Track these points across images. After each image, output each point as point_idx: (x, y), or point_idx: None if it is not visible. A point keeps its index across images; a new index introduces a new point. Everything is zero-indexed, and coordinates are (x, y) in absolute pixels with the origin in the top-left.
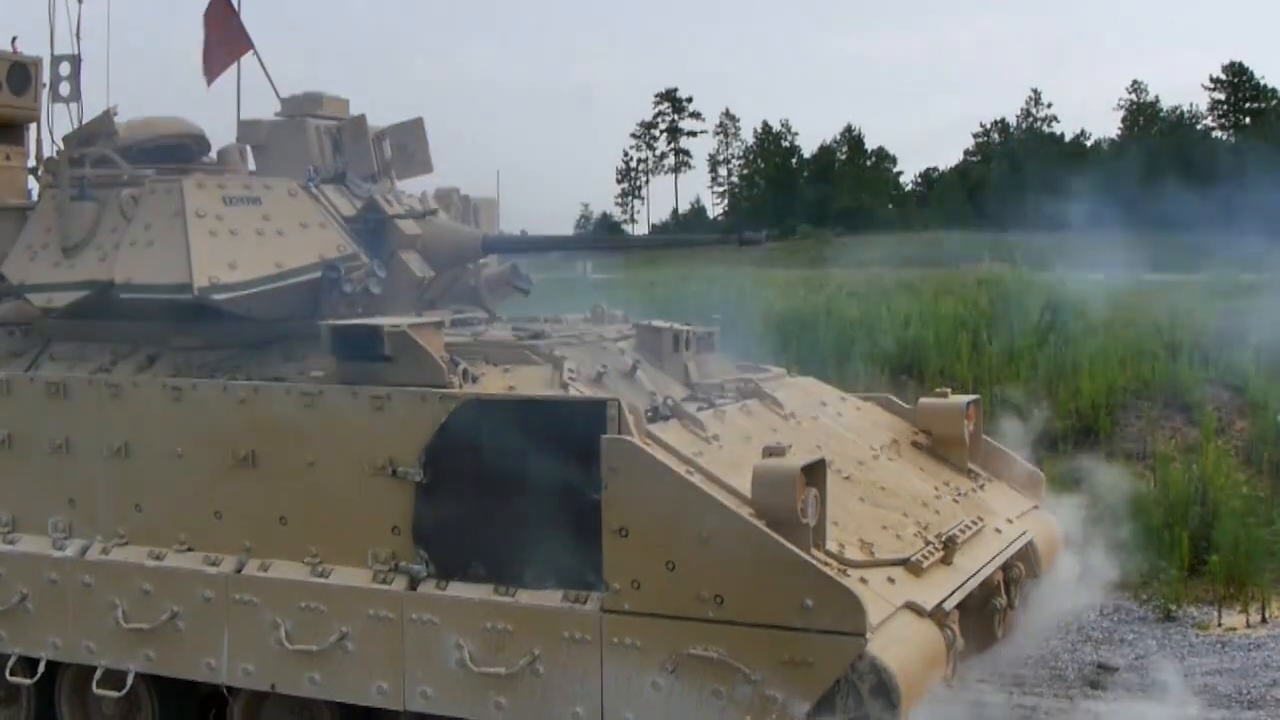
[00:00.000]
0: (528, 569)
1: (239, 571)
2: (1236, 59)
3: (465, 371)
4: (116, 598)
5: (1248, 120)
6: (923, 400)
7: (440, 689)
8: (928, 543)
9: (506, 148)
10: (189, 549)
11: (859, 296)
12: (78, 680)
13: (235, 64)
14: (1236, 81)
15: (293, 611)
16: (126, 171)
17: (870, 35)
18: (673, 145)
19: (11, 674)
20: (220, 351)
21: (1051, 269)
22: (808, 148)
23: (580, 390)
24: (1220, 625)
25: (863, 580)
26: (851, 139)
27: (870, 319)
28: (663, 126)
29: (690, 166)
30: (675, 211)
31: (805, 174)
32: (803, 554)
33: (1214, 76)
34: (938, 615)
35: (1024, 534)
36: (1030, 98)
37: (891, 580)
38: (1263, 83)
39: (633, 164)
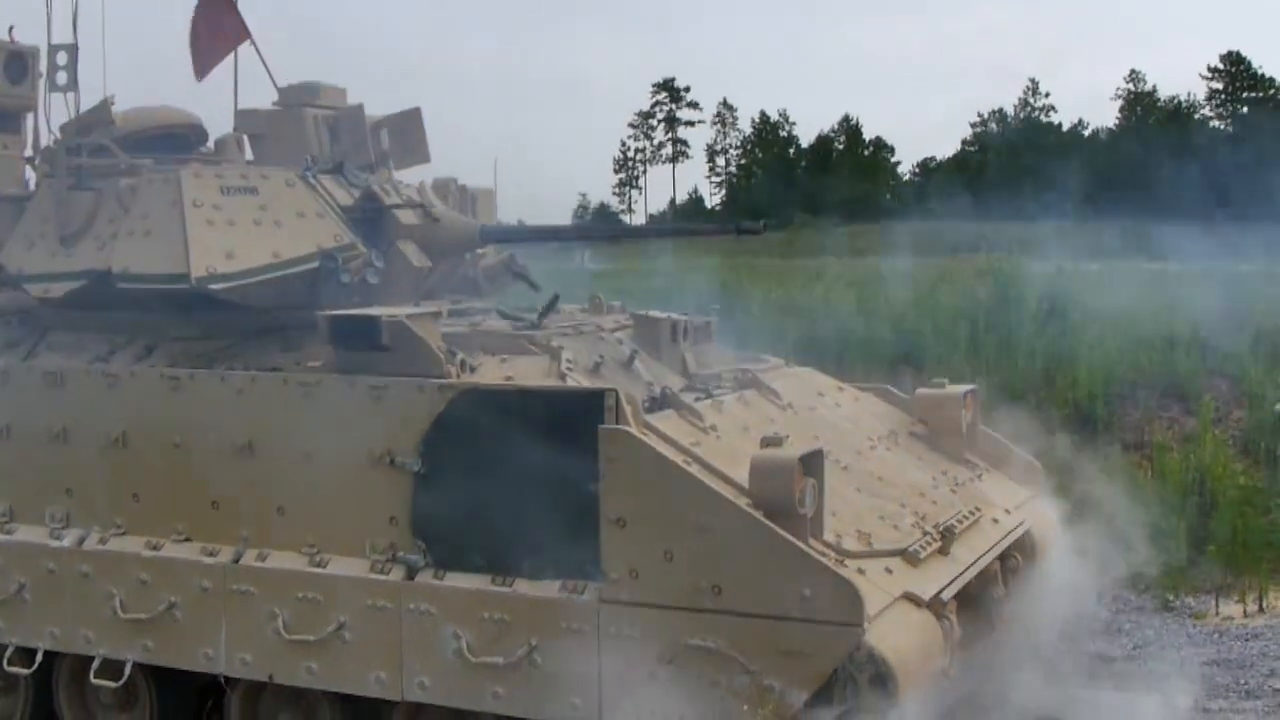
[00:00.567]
0: (525, 559)
1: (237, 561)
2: (1234, 48)
3: (463, 361)
4: (114, 588)
5: (1245, 109)
6: (920, 390)
7: (438, 679)
8: (925, 533)
9: (504, 138)
10: (187, 539)
11: (857, 286)
12: (75, 670)
13: (232, 54)
14: (1234, 71)
15: (290, 601)
16: (124, 161)
17: (868, 24)
18: (670, 135)
19: (9, 664)
20: (218, 341)
21: (1049, 258)
22: (805, 138)
23: (578, 380)
24: (1218, 615)
25: (860, 570)
26: (849, 129)
27: (868, 309)
28: (660, 116)
29: (688, 156)
30: (673, 201)
31: (803, 164)
32: (800, 544)
33: (1212, 66)
34: (935, 605)
35: (1022, 524)
36: (1028, 87)
37: (889, 570)
38: (1260, 72)
39: (630, 154)
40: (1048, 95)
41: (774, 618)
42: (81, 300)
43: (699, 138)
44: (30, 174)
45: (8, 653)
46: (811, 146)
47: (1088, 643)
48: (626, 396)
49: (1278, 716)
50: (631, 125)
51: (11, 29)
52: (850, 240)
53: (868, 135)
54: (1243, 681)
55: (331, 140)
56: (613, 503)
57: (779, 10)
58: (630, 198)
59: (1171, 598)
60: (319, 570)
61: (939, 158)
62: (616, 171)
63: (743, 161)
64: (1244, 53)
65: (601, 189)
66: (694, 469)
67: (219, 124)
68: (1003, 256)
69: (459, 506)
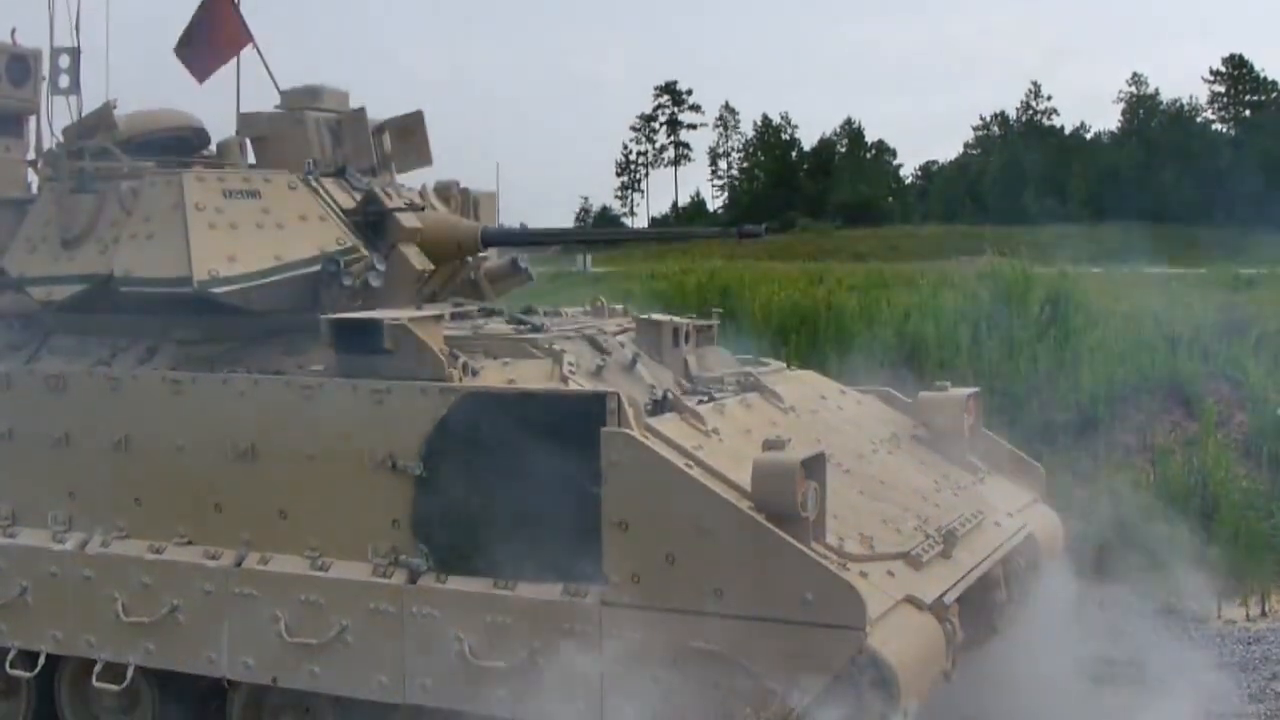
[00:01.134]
0: (527, 562)
1: (239, 565)
2: (1237, 51)
3: (465, 365)
4: (116, 591)
5: (1248, 113)
6: (922, 394)
7: (440, 682)
8: (927, 536)
9: (506, 141)
10: (189, 542)
11: (858, 290)
12: (78, 673)
13: (235, 58)
14: (1236, 74)
15: (293, 605)
16: (126, 164)
17: (870, 26)
18: (672, 138)
19: (11, 667)
20: (220, 345)
21: (1052, 262)
22: (807, 140)
23: (580, 384)
24: (1220, 618)
25: (862, 574)
26: (851, 132)
27: (870, 312)
28: (662, 119)
29: (690, 159)
30: (675, 205)
31: (805, 167)
32: (802, 547)
33: (1214, 69)
34: (937, 609)
35: (1024, 527)
36: (1030, 90)
37: (891, 574)
38: (1263, 75)
39: (632, 157)
40: (1049, 98)
41: (776, 621)
42: (83, 304)
43: (701, 141)
44: (32, 177)
45: (10, 656)
46: (813, 149)
47: (1089, 646)
48: (628, 399)
49: None
50: (633, 128)
51: (14, 31)
52: (852, 243)
53: (869, 138)
54: (1245, 685)
55: (334, 143)
56: (615, 506)
57: (781, 13)
58: (632, 201)
59: (1174, 601)
60: (321, 574)
61: (941, 161)
62: (619, 175)
63: (745, 164)
64: (1246, 55)
65: (604, 192)
66: (696, 472)
67: (221, 127)
68: (1004, 259)
69: (461, 510)
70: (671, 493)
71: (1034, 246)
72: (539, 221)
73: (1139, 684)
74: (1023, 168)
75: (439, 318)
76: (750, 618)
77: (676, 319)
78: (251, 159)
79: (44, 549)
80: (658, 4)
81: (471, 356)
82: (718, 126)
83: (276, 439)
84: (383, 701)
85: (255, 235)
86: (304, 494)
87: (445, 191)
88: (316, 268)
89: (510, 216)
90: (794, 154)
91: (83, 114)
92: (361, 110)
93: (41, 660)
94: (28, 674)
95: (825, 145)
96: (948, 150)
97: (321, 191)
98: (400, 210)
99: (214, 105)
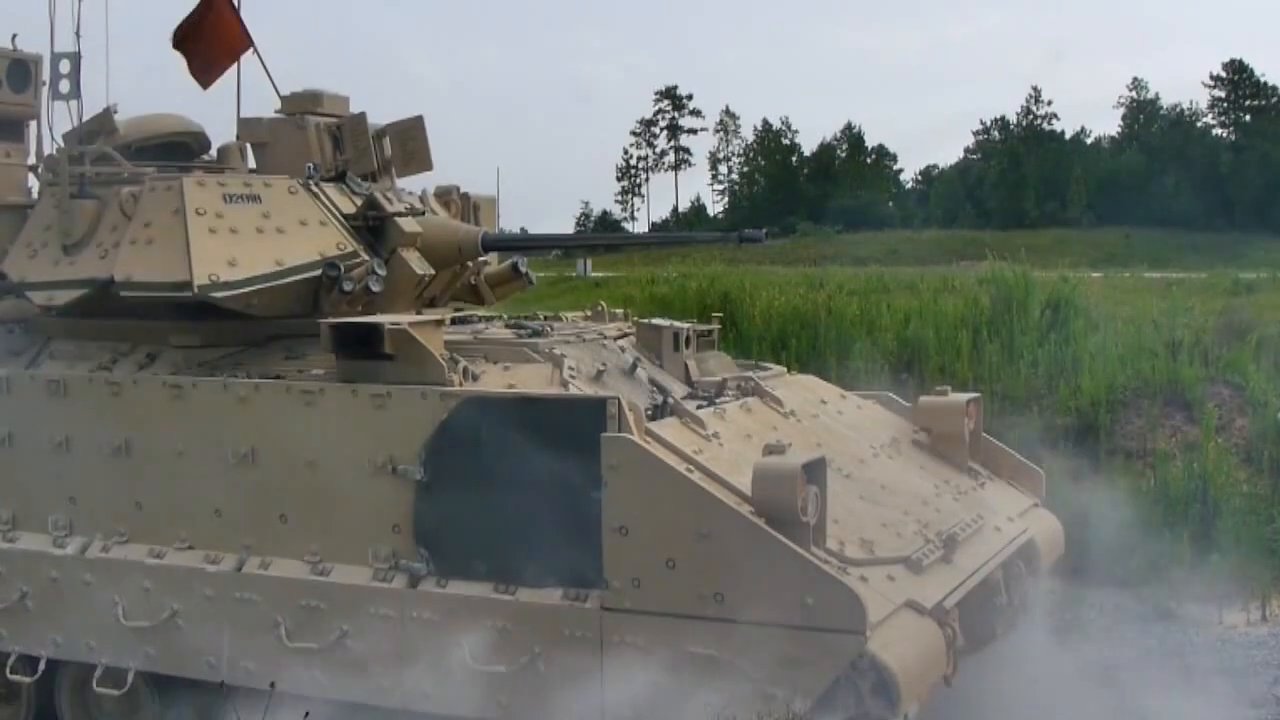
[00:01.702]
0: (528, 567)
1: (239, 569)
2: (1237, 56)
3: (465, 369)
4: (117, 595)
5: (1248, 118)
6: (923, 398)
7: (440, 687)
8: (928, 541)
9: (507, 146)
10: (189, 547)
11: (859, 294)
12: (78, 678)
13: (236, 63)
14: (1237, 79)
15: (293, 609)
16: (127, 169)
17: (871, 31)
18: (673, 143)
19: (12, 672)
20: (220, 349)
21: (1052, 266)
22: (808, 145)
23: (580, 388)
24: (1221, 623)
25: (863, 578)
26: (851, 136)
27: (870, 317)
28: (663, 124)
29: (690, 164)
30: (675, 209)
31: (805, 172)
32: (803, 552)
33: (1214, 74)
34: (938, 613)
35: (1024, 532)
36: (1031, 95)
37: (892, 578)
38: (1263, 80)
39: (633, 162)
40: (1050, 103)
41: (776, 625)
42: (84, 308)
43: (701, 145)
44: (33, 182)
45: (10, 661)
46: (814, 154)
47: (1090, 651)
48: (629, 404)
49: None
50: (634, 133)
51: (15, 37)
52: (852, 248)
53: (870, 143)
54: (1246, 690)
55: (334, 148)
56: (615, 510)
57: (781, 18)
58: (633, 206)
59: (1174, 605)
60: (322, 578)
61: (941, 165)
62: (619, 179)
63: (745, 169)
64: (1246, 60)
65: (604, 197)
66: (696, 476)
67: (221, 132)
68: (1005, 264)
69: (462, 514)
70: (672, 497)
71: (1034, 251)
72: (539, 226)
73: (1139, 689)
74: (1023, 172)
75: (439, 322)
76: (751, 622)
77: (677, 324)
78: (252, 164)
79: (44, 553)
80: (658, 9)
81: (472, 361)
82: (718, 131)
83: (277, 444)
84: (383, 705)
85: (256, 240)
86: (304, 499)
87: (446, 196)
88: (317, 272)
89: (511, 221)
90: (794, 159)
91: (83, 119)
92: (362, 115)
93: (42, 665)
94: (28, 679)
95: (826, 150)
96: (948, 155)
97: (322, 196)
98: (401, 215)
99: (214, 110)
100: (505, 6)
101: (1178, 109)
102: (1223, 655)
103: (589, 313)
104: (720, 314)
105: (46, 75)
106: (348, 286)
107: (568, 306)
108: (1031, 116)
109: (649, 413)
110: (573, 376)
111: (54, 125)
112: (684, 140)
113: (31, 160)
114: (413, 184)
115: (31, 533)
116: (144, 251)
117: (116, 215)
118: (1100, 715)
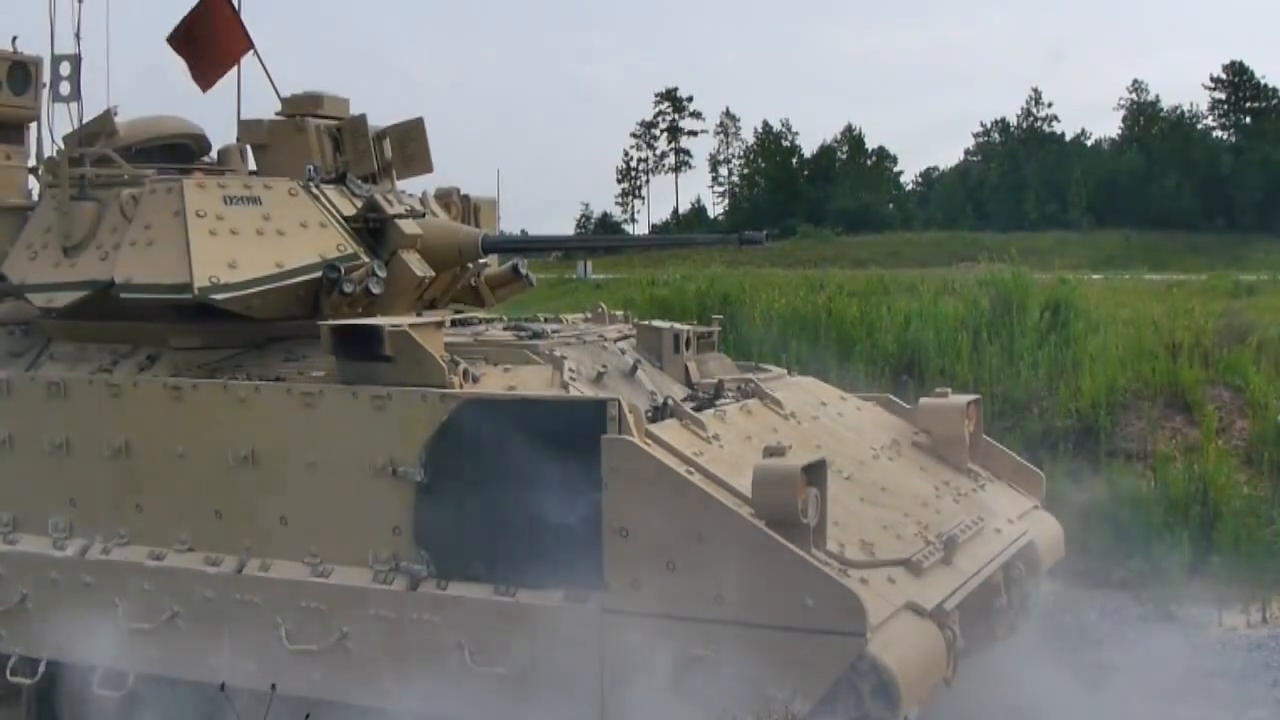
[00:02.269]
0: (528, 569)
1: (239, 571)
2: (1237, 58)
3: (466, 371)
4: (117, 597)
5: (1248, 120)
6: (923, 400)
7: (440, 689)
8: (928, 543)
9: (507, 148)
10: (190, 549)
11: (859, 296)
12: (78, 680)
13: (236, 65)
14: (1237, 81)
15: (293, 611)
16: (127, 171)
17: (871, 33)
18: (673, 145)
19: (12, 674)
20: (220, 351)
21: (1052, 268)
22: (808, 147)
23: (581, 390)
24: (1221, 625)
25: (863, 580)
26: (852, 138)
27: (870, 319)
28: (663, 126)
29: (691, 166)
30: (676, 211)
31: (805, 174)
32: (803, 554)
33: (1214, 76)
34: (938, 615)
35: (1024, 534)
36: (1031, 96)
37: (892, 580)
38: (1263, 82)
39: (633, 163)
40: (1050, 105)
41: (777, 627)
42: (84, 310)
43: (702, 147)
44: (33, 184)
45: (10, 663)
46: (814, 156)
47: (1090, 653)
48: (629, 406)
49: None
50: (634, 135)
51: (15, 39)
52: (852, 250)
53: (870, 144)
54: (1246, 692)
55: (334, 150)
56: (615, 512)
57: (781, 20)
58: (633, 207)
59: (1174, 607)
60: (322, 580)
61: (941, 167)
62: (619, 181)
63: (745, 171)
64: (1246, 63)
65: (604, 199)
66: (696, 478)
67: (222, 134)
68: (1005, 266)
69: (462, 516)
70: (672, 499)
71: (1034, 253)
72: (539, 228)
73: (1139, 691)
74: (1023, 174)
75: (440, 324)
76: (751, 624)
77: (677, 325)
78: (252, 165)
79: (45, 555)
80: (658, 10)
81: (472, 363)
82: (718, 133)
83: (277, 446)
84: (383, 707)
85: (256, 242)
86: (305, 500)
87: (446, 198)
88: (317, 274)
89: (511, 223)
90: (795, 160)
91: (84, 121)
92: (362, 117)
93: (42, 667)
94: (28, 681)
95: (826, 152)
96: (948, 157)
97: (322, 198)
98: (401, 217)
99: (215, 111)
100: (505, 7)
101: (1178, 111)
102: (1223, 657)
103: (589, 314)
104: (720, 316)
105: (47, 77)
106: (348, 288)
107: (568, 308)
108: (1032, 118)
109: (649, 414)
110: (573, 378)
111: (54, 127)
112: (684, 142)
113: (32, 162)
114: (413, 186)
115: (32, 535)
116: (144, 253)
117: (117, 217)
118: (1100, 718)
